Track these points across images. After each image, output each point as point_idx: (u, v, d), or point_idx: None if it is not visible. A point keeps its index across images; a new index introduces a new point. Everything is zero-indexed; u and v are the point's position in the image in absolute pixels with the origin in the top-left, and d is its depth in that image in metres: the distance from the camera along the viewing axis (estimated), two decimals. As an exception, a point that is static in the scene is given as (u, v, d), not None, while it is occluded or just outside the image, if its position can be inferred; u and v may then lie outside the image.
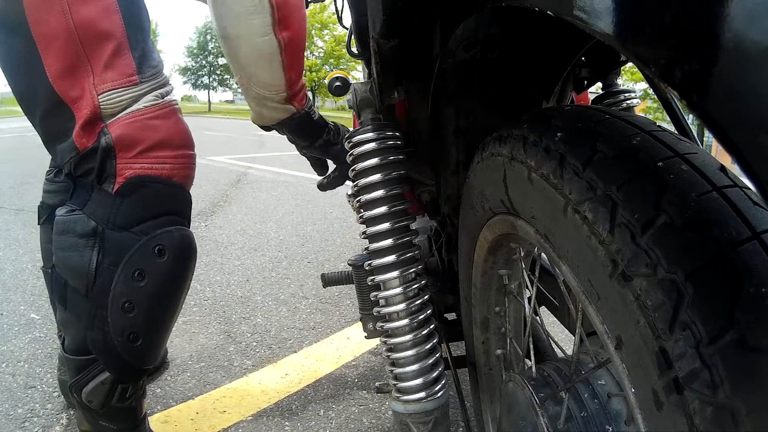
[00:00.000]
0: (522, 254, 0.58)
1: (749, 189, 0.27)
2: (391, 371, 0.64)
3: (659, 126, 0.33)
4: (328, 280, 0.95)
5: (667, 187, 0.27)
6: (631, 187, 0.28)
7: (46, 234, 1.05)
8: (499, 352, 0.69)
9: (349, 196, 1.19)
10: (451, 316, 1.00)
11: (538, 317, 0.66)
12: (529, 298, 0.58)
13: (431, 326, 0.65)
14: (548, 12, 0.24)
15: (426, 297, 0.66)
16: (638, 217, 0.27)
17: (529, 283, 0.59)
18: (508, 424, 0.55)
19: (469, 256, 0.64)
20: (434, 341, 0.65)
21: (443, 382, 0.65)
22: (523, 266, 0.59)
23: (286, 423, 1.11)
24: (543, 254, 0.60)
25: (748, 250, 0.23)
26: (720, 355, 0.22)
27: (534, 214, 0.39)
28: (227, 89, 37.43)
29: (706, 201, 0.26)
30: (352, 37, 0.73)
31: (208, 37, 33.82)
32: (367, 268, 0.66)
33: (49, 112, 0.74)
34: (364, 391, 1.24)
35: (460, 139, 0.67)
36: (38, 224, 1.07)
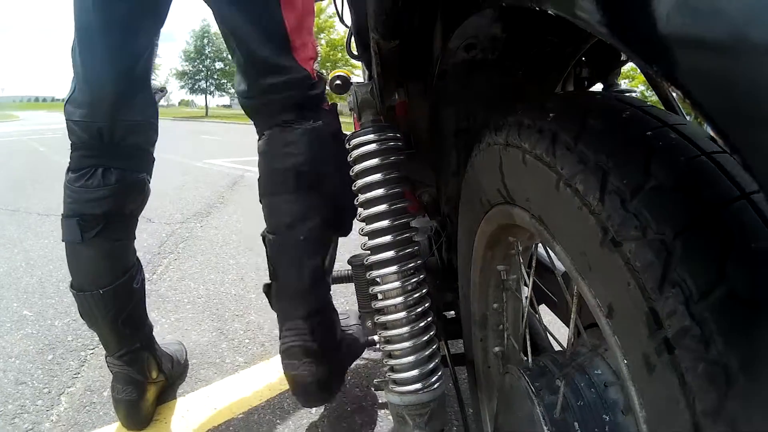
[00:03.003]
0: (520, 249, 0.59)
1: None
2: (388, 363, 0.65)
3: (649, 104, 0.33)
4: None
5: (656, 153, 0.27)
6: (620, 155, 0.29)
7: (96, 250, 0.95)
8: (497, 349, 0.69)
9: None
10: (451, 315, 1.00)
11: (536, 314, 0.66)
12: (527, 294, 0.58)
13: (428, 318, 0.66)
14: (549, 11, 0.24)
15: (424, 290, 0.66)
16: (627, 182, 0.27)
17: (526, 277, 0.60)
18: (505, 416, 0.55)
19: (467, 253, 0.65)
20: (431, 333, 0.65)
21: (440, 374, 0.65)
22: (521, 261, 0.60)
23: (278, 421, 1.10)
24: (540, 248, 0.61)
25: (737, 208, 0.24)
26: (710, 310, 0.22)
27: (528, 196, 0.40)
28: (224, 94, 37.43)
29: (695, 164, 0.26)
30: (353, 38, 0.73)
31: (205, 41, 33.77)
32: (365, 263, 0.66)
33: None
34: (357, 389, 1.23)
35: (460, 140, 0.67)
36: (79, 241, 0.94)
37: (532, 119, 0.38)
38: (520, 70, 0.60)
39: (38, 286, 1.82)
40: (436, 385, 0.63)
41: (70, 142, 0.94)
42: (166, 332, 1.47)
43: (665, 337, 0.23)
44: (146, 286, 1.81)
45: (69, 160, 0.95)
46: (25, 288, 1.80)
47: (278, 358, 1.38)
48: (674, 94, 0.71)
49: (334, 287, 1.01)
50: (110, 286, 0.97)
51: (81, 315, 1.02)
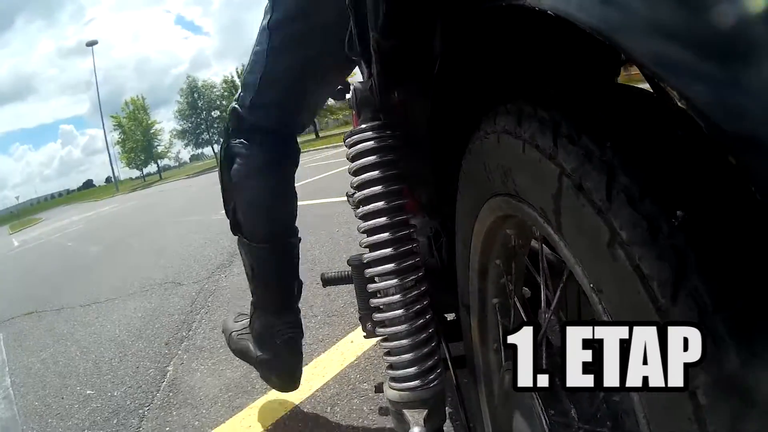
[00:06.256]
0: (520, 242, 0.57)
1: None
2: (386, 360, 0.64)
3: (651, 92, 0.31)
4: (328, 280, 0.95)
5: (667, 151, 0.26)
6: (629, 150, 0.27)
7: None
8: (495, 346, 0.68)
9: (349, 196, 1.19)
10: (451, 316, 0.99)
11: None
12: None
13: (427, 316, 0.65)
14: (549, 11, 0.24)
15: (423, 288, 0.65)
16: (636, 181, 0.25)
17: (534, 272, 0.58)
18: (505, 416, 0.54)
19: (465, 256, 0.63)
20: (429, 330, 0.65)
21: (438, 371, 0.65)
22: (519, 255, 0.58)
23: (300, 425, 1.24)
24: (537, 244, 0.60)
25: (749, 211, 0.22)
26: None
27: (528, 188, 0.38)
28: (230, 139, 37.14)
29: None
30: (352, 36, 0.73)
31: (195, 95, 33.83)
32: (364, 262, 0.66)
33: None
34: (366, 384, 1.35)
35: (459, 140, 0.67)
36: None
37: (533, 107, 0.36)
38: (519, 69, 0.60)
39: (94, 368, 1.99)
40: (434, 383, 0.62)
41: None
42: (205, 376, 1.63)
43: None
44: (184, 343, 2.00)
45: None
46: (83, 372, 1.96)
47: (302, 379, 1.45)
48: (674, 95, 0.70)
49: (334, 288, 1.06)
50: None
51: (253, 269, 1.09)
